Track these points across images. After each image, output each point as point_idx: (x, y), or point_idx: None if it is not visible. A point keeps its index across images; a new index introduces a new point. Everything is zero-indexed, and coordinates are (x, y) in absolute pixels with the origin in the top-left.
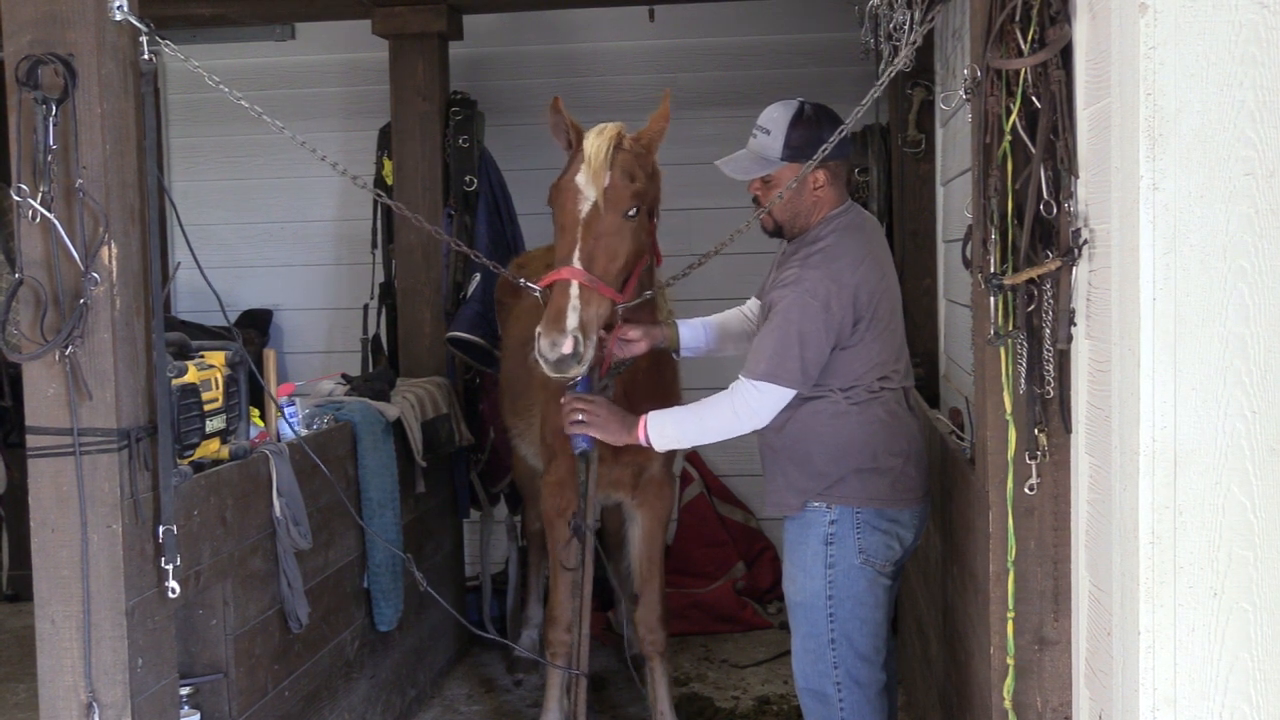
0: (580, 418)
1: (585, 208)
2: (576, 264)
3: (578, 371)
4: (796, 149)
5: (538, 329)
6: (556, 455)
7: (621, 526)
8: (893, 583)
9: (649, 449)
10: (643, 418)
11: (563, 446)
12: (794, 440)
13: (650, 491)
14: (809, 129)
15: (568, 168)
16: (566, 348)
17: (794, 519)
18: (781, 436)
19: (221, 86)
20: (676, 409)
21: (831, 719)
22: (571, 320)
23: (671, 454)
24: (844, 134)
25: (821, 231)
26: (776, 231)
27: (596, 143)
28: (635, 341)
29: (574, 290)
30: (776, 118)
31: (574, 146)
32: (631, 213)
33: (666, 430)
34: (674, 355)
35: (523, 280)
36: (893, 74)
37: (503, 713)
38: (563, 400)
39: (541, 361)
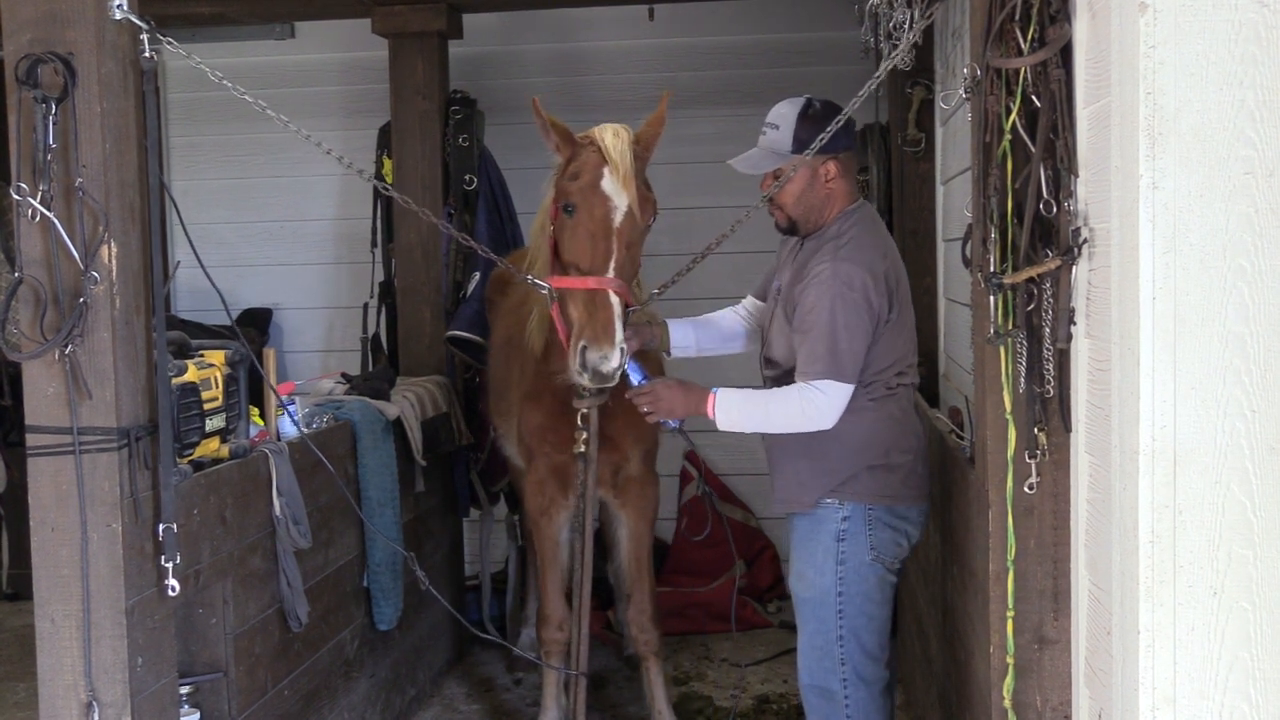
0: (647, 409)
1: (618, 217)
2: (612, 274)
3: (614, 382)
4: (805, 141)
5: (581, 342)
6: (535, 456)
7: (610, 526)
8: (897, 580)
9: (624, 448)
10: (712, 394)
11: (539, 445)
12: (809, 435)
13: (632, 491)
14: (816, 123)
15: (585, 169)
16: (616, 361)
17: (804, 516)
18: (795, 432)
19: (225, 82)
20: (749, 391)
21: (836, 716)
22: (619, 334)
23: (653, 452)
24: (848, 123)
25: (843, 225)
26: (790, 228)
27: (619, 146)
28: (627, 341)
29: (616, 302)
30: (785, 113)
31: (568, 145)
32: (651, 220)
33: (732, 412)
34: (664, 355)
35: (531, 278)
36: (890, 67)
37: (502, 711)
38: (628, 395)
39: (587, 374)
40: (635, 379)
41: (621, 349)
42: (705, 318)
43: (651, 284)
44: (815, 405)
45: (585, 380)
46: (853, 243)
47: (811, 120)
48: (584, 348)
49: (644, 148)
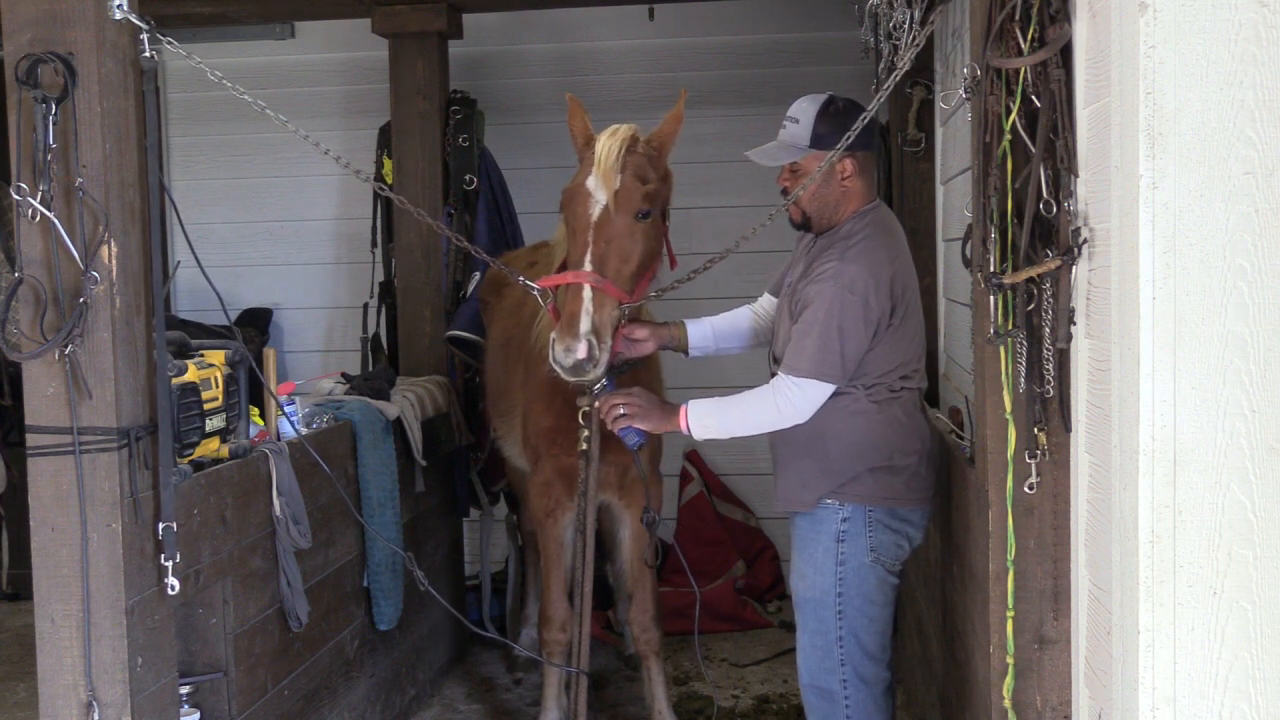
0: (622, 411)
1: (595, 211)
2: (588, 267)
3: (595, 375)
4: (824, 137)
5: (551, 335)
6: (542, 456)
7: (613, 526)
8: (899, 582)
9: (630, 449)
10: (683, 406)
11: (547, 448)
12: (812, 435)
13: (637, 491)
14: (837, 120)
15: (580, 170)
16: (581, 353)
17: (805, 515)
18: (799, 431)
19: (225, 81)
20: (718, 399)
21: (836, 716)
22: (584, 325)
23: (658, 454)
24: (869, 123)
25: (856, 225)
26: (804, 224)
27: (608, 144)
28: (643, 341)
29: (586, 294)
30: (805, 108)
31: (586, 148)
32: (643, 214)
33: (706, 421)
34: (684, 356)
35: (522, 279)
36: (900, 74)
37: (502, 712)
38: (599, 403)
39: (557, 367)
40: (608, 387)
41: (589, 341)
42: (723, 316)
43: (653, 285)
44: (790, 402)
45: (561, 374)
46: (861, 244)
47: (831, 117)
48: (553, 340)
49: (651, 145)
